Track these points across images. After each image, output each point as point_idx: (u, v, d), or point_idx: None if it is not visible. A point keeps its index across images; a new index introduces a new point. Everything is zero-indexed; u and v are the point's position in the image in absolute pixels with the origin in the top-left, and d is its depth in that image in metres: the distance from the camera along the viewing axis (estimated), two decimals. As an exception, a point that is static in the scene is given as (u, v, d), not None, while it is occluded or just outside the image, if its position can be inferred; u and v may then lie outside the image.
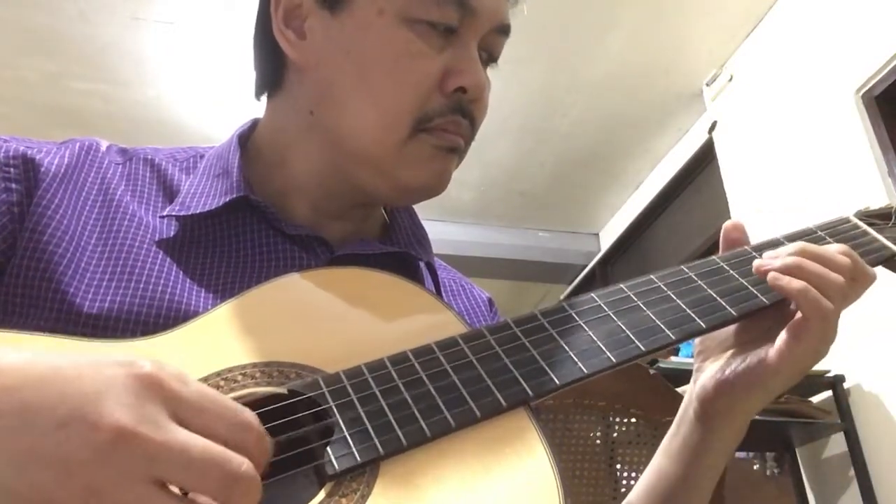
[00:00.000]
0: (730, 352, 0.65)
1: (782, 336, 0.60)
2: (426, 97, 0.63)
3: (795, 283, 0.58)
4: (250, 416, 0.39)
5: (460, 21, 0.64)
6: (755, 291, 0.63)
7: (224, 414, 0.38)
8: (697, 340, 0.69)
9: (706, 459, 0.67)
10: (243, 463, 0.36)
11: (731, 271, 0.65)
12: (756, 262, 0.62)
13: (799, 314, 0.59)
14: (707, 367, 0.66)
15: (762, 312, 0.63)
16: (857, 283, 0.62)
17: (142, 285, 0.58)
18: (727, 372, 0.64)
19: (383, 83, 0.63)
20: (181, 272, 0.61)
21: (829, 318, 0.58)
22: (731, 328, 0.66)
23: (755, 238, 0.70)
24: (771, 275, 0.59)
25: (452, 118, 0.64)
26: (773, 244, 0.68)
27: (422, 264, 0.73)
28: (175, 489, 0.36)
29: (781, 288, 0.59)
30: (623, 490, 1.70)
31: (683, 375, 2.13)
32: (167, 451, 0.35)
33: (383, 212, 0.77)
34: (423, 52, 0.63)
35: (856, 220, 0.73)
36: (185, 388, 0.37)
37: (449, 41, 0.64)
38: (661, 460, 0.71)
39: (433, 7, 0.62)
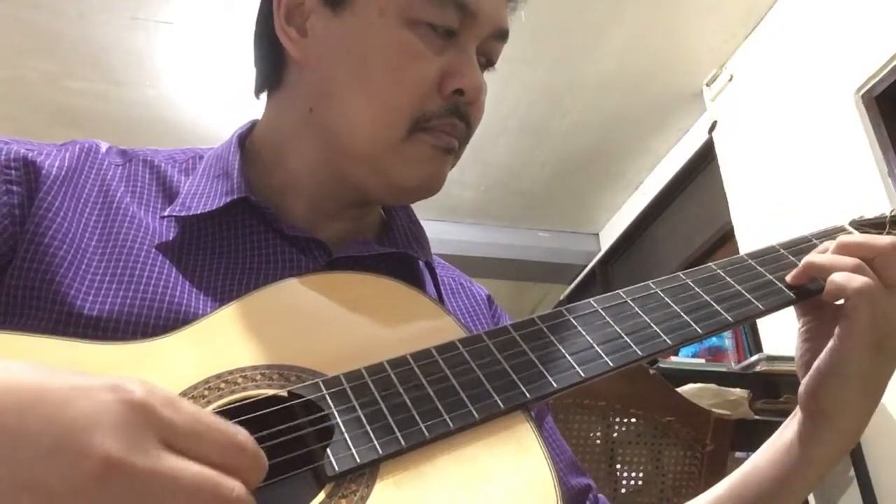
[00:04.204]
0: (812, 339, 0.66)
1: (839, 324, 0.62)
2: (425, 98, 0.64)
3: (828, 269, 0.62)
4: (244, 437, 0.38)
5: (461, 23, 0.64)
6: (751, 298, 0.64)
7: (217, 438, 0.37)
8: (799, 329, 0.68)
9: (810, 454, 0.65)
10: (234, 487, 0.36)
11: (728, 278, 0.65)
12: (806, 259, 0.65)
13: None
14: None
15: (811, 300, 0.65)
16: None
17: (142, 287, 0.58)
18: (812, 367, 0.64)
19: (383, 82, 0.64)
20: (181, 274, 0.61)
21: (865, 292, 0.60)
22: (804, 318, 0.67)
23: (754, 238, 0.70)
24: (805, 262, 0.64)
25: (449, 121, 0.65)
26: (770, 251, 0.69)
27: (421, 263, 0.73)
28: None
29: (816, 270, 0.63)
30: (623, 490, 1.70)
31: (683, 375, 2.13)
32: (156, 479, 0.34)
33: (381, 212, 0.77)
34: (422, 54, 0.64)
35: (851, 229, 0.73)
36: (176, 414, 0.36)
37: (448, 43, 0.65)
38: (757, 459, 0.69)
39: (434, 9, 0.63)
